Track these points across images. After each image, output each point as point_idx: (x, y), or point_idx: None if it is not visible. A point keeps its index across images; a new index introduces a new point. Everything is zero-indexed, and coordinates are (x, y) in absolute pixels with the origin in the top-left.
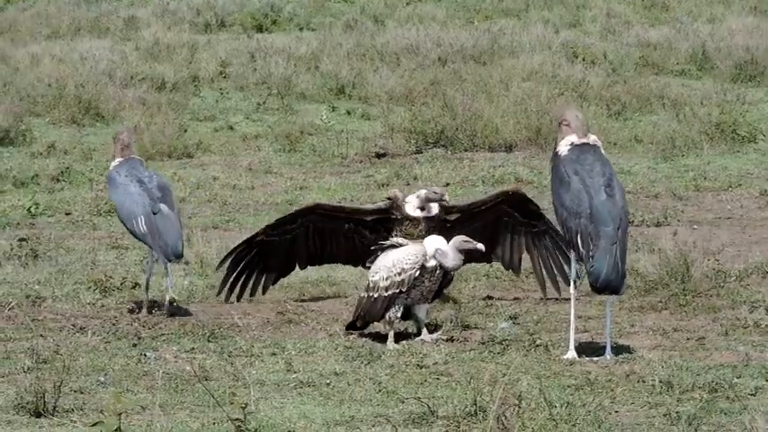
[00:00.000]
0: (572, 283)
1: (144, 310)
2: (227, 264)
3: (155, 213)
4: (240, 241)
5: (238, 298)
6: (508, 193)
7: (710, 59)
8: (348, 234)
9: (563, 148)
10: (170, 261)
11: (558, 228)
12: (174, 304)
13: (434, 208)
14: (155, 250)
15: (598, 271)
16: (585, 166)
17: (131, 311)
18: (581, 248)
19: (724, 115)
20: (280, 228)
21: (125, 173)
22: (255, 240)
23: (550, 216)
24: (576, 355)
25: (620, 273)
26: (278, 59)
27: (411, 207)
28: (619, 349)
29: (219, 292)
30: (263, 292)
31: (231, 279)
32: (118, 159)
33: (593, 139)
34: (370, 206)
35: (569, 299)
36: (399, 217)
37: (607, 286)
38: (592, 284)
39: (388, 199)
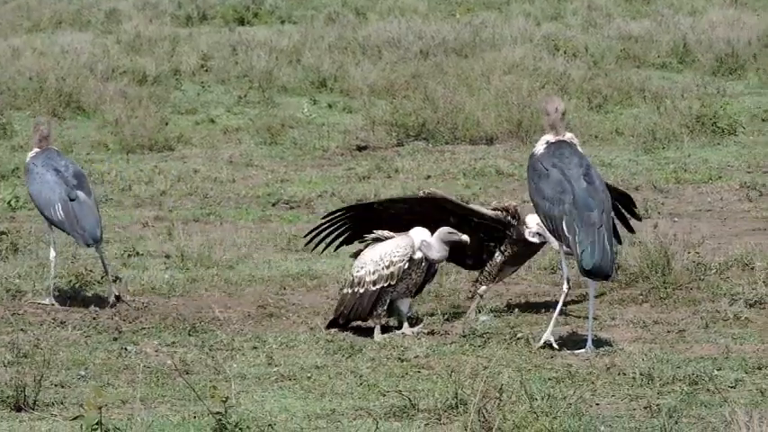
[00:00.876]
0: (565, 281)
1: (112, 298)
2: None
3: (72, 200)
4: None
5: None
6: None
7: (691, 52)
8: (451, 223)
9: (539, 147)
10: (89, 246)
11: (544, 223)
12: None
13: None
14: (73, 236)
15: (588, 256)
16: (564, 159)
17: (113, 306)
18: (567, 234)
19: (704, 108)
20: (392, 204)
21: (41, 163)
22: (359, 204)
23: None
24: (552, 339)
25: (610, 257)
26: (259, 52)
27: (530, 233)
28: (599, 342)
29: (308, 242)
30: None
31: (320, 231)
32: (35, 150)
33: (569, 136)
34: (488, 212)
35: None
36: (514, 236)
37: (599, 270)
38: (582, 269)
39: (503, 210)
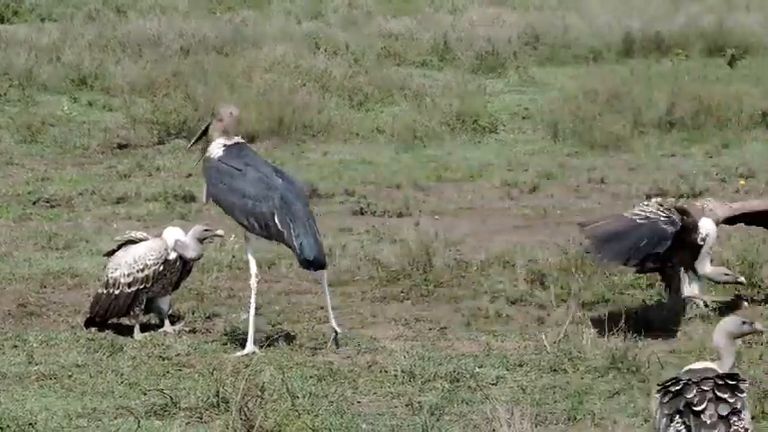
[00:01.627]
0: (253, 276)
1: None
2: None
3: None
4: None
5: None
6: None
7: (452, 50)
8: None
9: (216, 150)
10: None
11: (243, 222)
12: None
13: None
14: None
15: (308, 248)
16: (252, 158)
17: None
18: (281, 229)
19: (465, 106)
20: None
21: None
22: None
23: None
24: (255, 349)
25: (322, 247)
26: (19, 50)
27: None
28: (361, 340)
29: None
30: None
31: None
32: None
33: (241, 140)
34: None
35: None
36: (688, 239)
37: (318, 261)
38: (305, 261)
39: (678, 211)
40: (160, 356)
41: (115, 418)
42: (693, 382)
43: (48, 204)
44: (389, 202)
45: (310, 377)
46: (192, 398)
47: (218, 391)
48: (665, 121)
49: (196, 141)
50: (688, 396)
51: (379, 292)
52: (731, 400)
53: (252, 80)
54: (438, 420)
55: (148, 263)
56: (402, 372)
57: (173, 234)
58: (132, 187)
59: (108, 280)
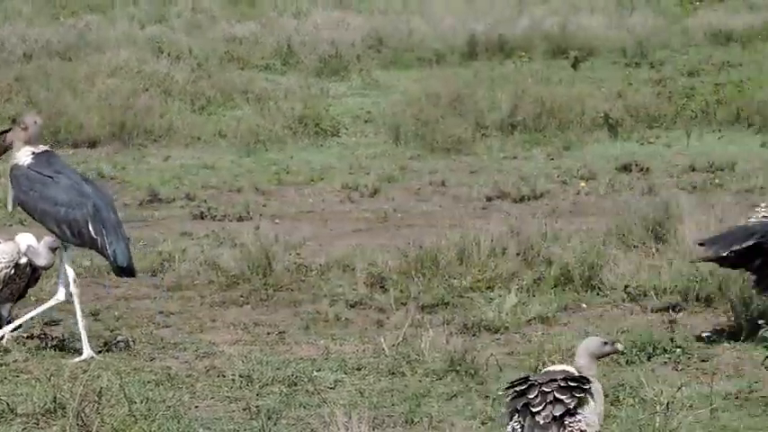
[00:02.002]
0: (72, 282)
1: None
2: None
3: None
4: None
5: None
6: None
7: (295, 54)
8: None
9: (25, 158)
10: None
11: (54, 230)
12: None
13: None
14: None
15: (121, 254)
16: (61, 167)
17: None
18: (95, 236)
19: (308, 110)
20: None
21: None
22: None
23: None
24: (92, 353)
25: (131, 254)
26: None
27: None
28: (199, 344)
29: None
30: None
31: None
32: None
33: (49, 148)
34: None
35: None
36: None
37: (130, 267)
38: (119, 269)
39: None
40: None
41: None
42: (538, 383)
43: None
44: (230, 207)
45: (148, 382)
46: (29, 404)
47: (55, 397)
48: (508, 124)
49: None
50: (529, 396)
51: (218, 297)
52: (567, 401)
53: (94, 85)
54: (275, 425)
55: None
56: (240, 376)
57: (25, 239)
58: None
59: None
